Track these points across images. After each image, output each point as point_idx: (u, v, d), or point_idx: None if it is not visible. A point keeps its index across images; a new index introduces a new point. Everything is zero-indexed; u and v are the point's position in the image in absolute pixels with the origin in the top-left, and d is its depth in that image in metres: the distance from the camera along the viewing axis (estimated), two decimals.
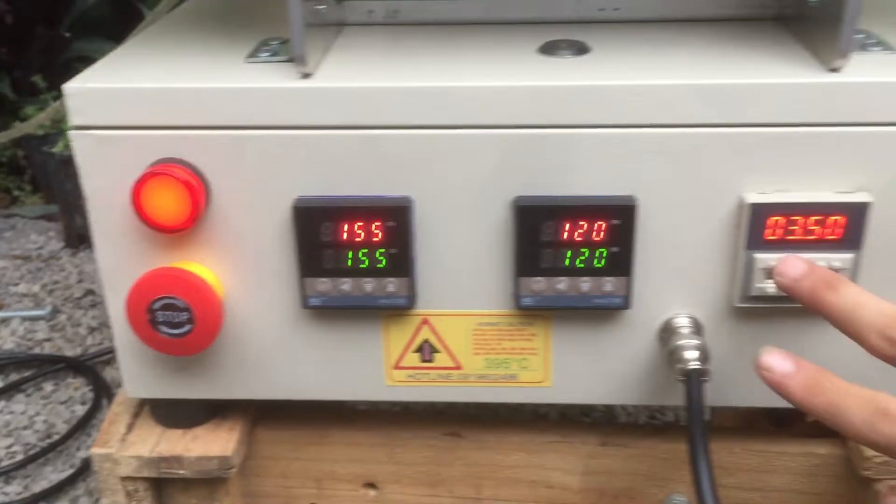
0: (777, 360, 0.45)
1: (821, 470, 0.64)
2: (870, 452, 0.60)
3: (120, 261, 0.57)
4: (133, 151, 0.54)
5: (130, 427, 0.65)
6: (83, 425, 1.24)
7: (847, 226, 0.53)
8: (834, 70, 0.52)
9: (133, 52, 0.60)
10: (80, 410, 1.28)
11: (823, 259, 0.53)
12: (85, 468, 1.16)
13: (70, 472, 1.16)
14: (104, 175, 0.55)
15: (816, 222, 0.53)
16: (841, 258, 0.53)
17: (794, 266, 0.49)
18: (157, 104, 0.53)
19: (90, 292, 1.59)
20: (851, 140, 0.52)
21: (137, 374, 0.61)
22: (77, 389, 1.34)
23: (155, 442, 0.63)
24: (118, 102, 0.54)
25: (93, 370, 1.36)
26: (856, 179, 0.53)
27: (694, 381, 0.52)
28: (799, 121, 0.52)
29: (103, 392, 1.31)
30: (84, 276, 1.65)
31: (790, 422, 0.72)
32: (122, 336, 0.60)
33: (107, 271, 0.58)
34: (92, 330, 1.49)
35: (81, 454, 1.20)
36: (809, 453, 0.64)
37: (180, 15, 0.71)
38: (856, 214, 0.52)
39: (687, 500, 0.65)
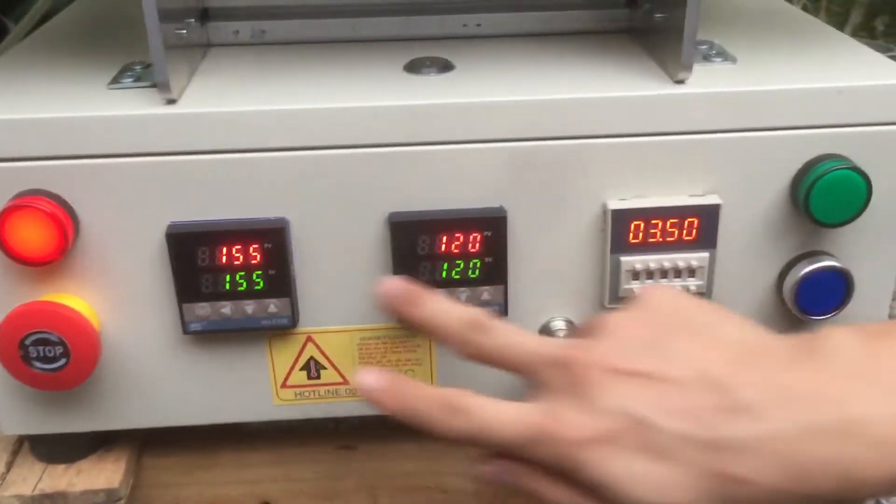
0: (365, 377, 0.47)
1: None
2: None
3: None
4: None
5: (9, 465, 0.63)
6: None
7: (701, 227, 0.56)
8: (679, 82, 0.55)
9: None
10: None
11: (682, 259, 0.56)
12: None
13: None
14: None
15: (673, 225, 0.56)
16: (698, 257, 0.57)
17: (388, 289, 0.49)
18: (18, 135, 0.52)
19: None
20: (699, 147, 0.55)
21: (14, 410, 0.60)
22: None
23: (37, 479, 0.61)
24: None
25: None
26: (706, 183, 0.56)
27: None
28: (651, 130, 0.55)
29: None
30: None
31: None
32: None
33: None
34: None
35: None
36: None
37: (40, 38, 0.69)
38: (708, 216, 0.56)
39: None
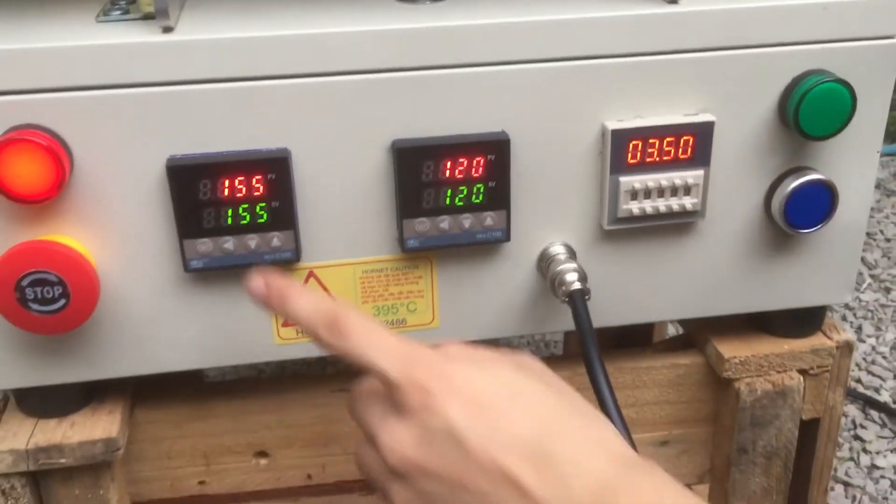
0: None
1: (685, 379, 0.69)
2: (728, 355, 0.66)
3: None
4: None
5: None
6: None
7: (696, 144, 0.58)
8: (672, 1, 0.56)
9: None
10: None
11: (679, 177, 0.58)
12: None
13: None
14: None
15: (670, 143, 0.57)
16: (693, 175, 0.58)
17: (257, 286, 0.50)
18: (9, 67, 0.50)
19: None
20: (692, 65, 0.56)
21: (3, 362, 0.57)
22: None
23: (29, 433, 0.59)
24: None
25: None
26: (699, 102, 0.58)
27: (578, 300, 0.56)
28: (646, 50, 0.56)
29: None
30: None
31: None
32: None
33: None
34: None
35: None
36: (674, 364, 0.69)
37: None
38: (703, 133, 0.57)
39: None
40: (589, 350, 0.53)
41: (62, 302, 0.52)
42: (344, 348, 0.46)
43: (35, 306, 0.52)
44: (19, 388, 0.59)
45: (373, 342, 0.45)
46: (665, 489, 0.40)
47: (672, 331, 1.06)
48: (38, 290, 0.52)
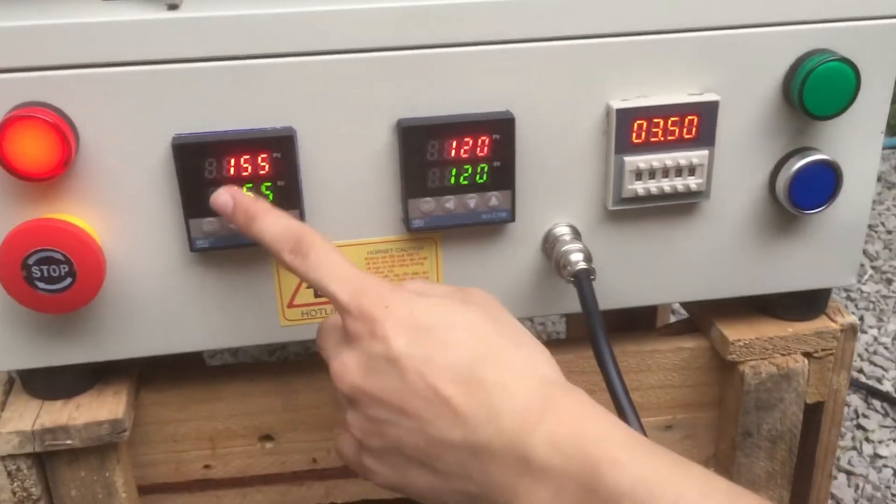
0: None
1: (689, 362, 0.69)
2: (733, 338, 0.66)
3: None
4: None
5: (2, 404, 0.60)
6: None
7: (700, 124, 0.58)
8: None
9: None
10: None
11: (684, 157, 0.58)
12: None
13: None
14: None
15: (674, 123, 0.57)
16: (698, 155, 0.58)
17: (223, 201, 0.52)
18: (14, 44, 0.50)
19: None
20: (696, 44, 0.57)
21: (8, 344, 0.57)
22: None
23: (35, 415, 0.59)
24: None
25: None
26: (703, 82, 0.58)
27: (584, 280, 0.56)
28: (650, 28, 0.56)
29: None
30: None
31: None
32: None
33: None
34: None
35: None
36: (678, 348, 0.69)
37: None
38: (707, 113, 0.57)
39: None
40: (595, 330, 0.53)
41: (68, 280, 0.53)
42: (303, 270, 0.48)
43: (41, 285, 0.52)
44: (25, 369, 0.59)
45: (330, 268, 0.47)
46: (586, 410, 0.43)
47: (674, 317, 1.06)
48: (45, 268, 0.52)
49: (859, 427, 1.21)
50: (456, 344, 0.45)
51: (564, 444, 0.41)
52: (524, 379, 0.44)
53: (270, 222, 0.50)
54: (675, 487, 0.39)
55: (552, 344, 0.70)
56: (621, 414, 0.51)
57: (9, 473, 0.59)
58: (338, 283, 0.47)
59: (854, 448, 1.18)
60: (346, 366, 0.46)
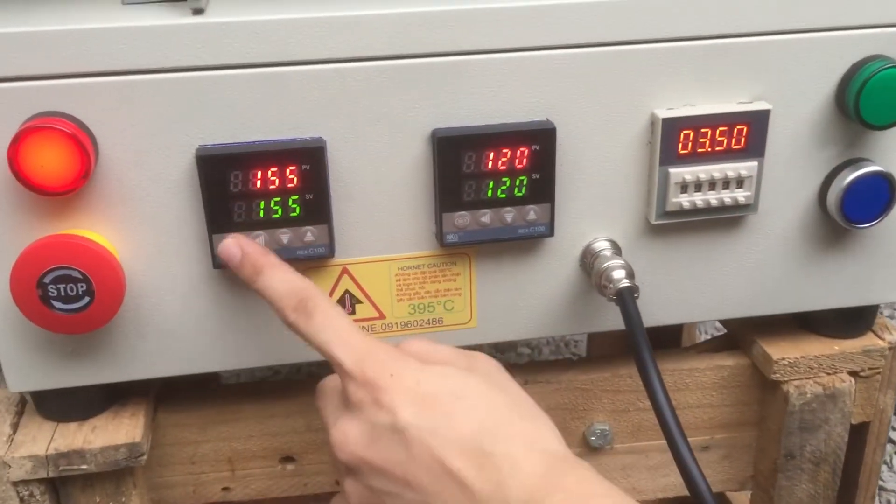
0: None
1: (729, 381, 0.67)
2: (777, 356, 0.63)
3: None
4: (5, 106, 0.48)
5: (15, 426, 0.58)
6: None
7: (750, 134, 0.55)
8: None
9: None
10: None
11: (732, 168, 0.55)
12: None
13: None
14: None
15: (723, 133, 0.54)
16: (747, 166, 0.55)
17: (231, 253, 0.50)
18: (32, 51, 0.47)
19: None
20: (746, 50, 0.54)
21: (21, 365, 0.55)
22: None
23: (49, 438, 0.56)
24: None
25: None
26: (753, 90, 0.55)
27: (627, 298, 0.53)
28: (698, 34, 0.53)
29: None
30: None
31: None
32: (1, 322, 0.53)
33: None
34: None
35: None
36: (718, 366, 0.66)
37: None
38: (758, 122, 0.55)
39: (608, 428, 0.66)
40: (641, 350, 0.50)
41: (86, 300, 0.50)
42: (306, 330, 0.47)
43: (58, 304, 0.50)
44: (39, 390, 0.56)
45: (335, 331, 0.46)
46: (594, 488, 0.42)
47: (701, 334, 1.03)
48: (62, 287, 0.49)
49: (890, 441, 1.18)
50: (463, 415, 0.44)
51: None
52: (531, 452, 0.43)
53: (277, 278, 0.48)
54: None
55: (583, 362, 0.68)
56: (668, 436, 0.49)
57: (21, 499, 0.56)
58: (342, 348, 0.46)
59: (884, 462, 1.15)
60: (347, 434, 0.45)
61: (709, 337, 0.87)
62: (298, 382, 0.66)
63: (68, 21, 0.48)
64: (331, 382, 0.49)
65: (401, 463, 0.43)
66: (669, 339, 0.91)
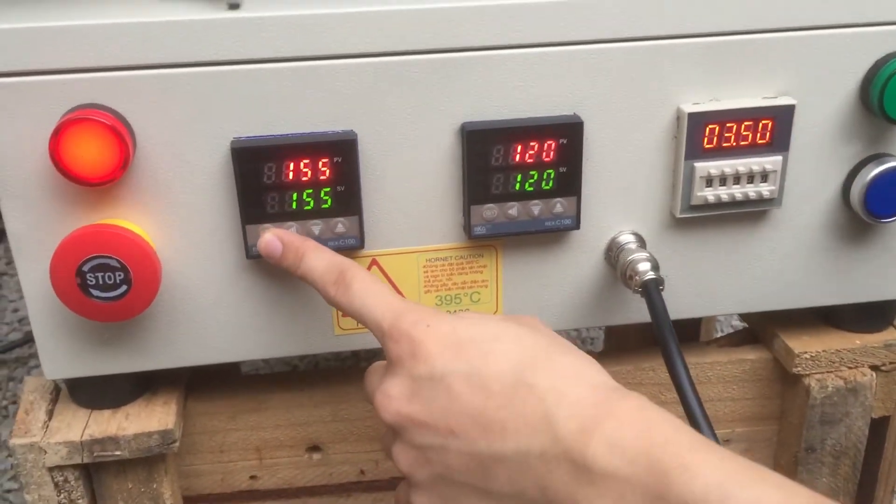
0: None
1: (750, 375, 0.67)
2: (799, 350, 0.64)
3: (33, 224, 0.52)
4: (45, 99, 0.49)
5: (51, 413, 0.59)
6: None
7: (775, 129, 0.55)
8: None
9: None
10: None
11: (756, 163, 0.56)
12: None
13: None
14: (12, 127, 0.49)
15: (748, 128, 0.55)
16: (771, 161, 0.56)
17: (273, 246, 0.52)
18: (71, 44, 0.48)
19: None
20: (772, 46, 0.54)
21: (57, 352, 0.56)
22: None
23: (83, 425, 0.57)
24: (24, 44, 0.48)
25: None
26: (777, 85, 0.56)
27: (653, 290, 0.53)
28: (724, 29, 0.54)
29: None
30: None
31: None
32: (38, 311, 0.54)
33: (18, 237, 0.52)
34: None
35: None
36: (740, 360, 0.67)
37: None
38: (783, 117, 0.55)
39: None
40: (667, 342, 0.51)
41: (124, 288, 0.51)
42: (346, 300, 0.47)
43: (96, 292, 0.51)
44: (73, 378, 0.58)
45: (371, 295, 0.47)
46: (649, 413, 0.40)
47: (717, 332, 1.03)
48: (100, 275, 0.50)
49: None
50: (501, 354, 0.43)
51: (628, 449, 0.38)
52: (578, 383, 0.41)
53: (317, 259, 0.49)
54: (753, 491, 0.35)
55: (605, 355, 0.68)
56: (696, 427, 0.49)
57: (56, 484, 0.57)
58: (379, 309, 0.46)
59: None
60: (390, 394, 0.44)
61: (726, 333, 0.88)
62: (325, 371, 0.67)
63: (107, 15, 0.49)
64: (376, 364, 0.49)
65: (443, 411, 0.42)
66: (689, 334, 0.92)
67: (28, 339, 1.28)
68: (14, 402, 1.23)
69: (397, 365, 0.45)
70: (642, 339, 0.82)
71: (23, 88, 0.49)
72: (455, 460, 0.43)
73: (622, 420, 0.39)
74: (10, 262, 1.47)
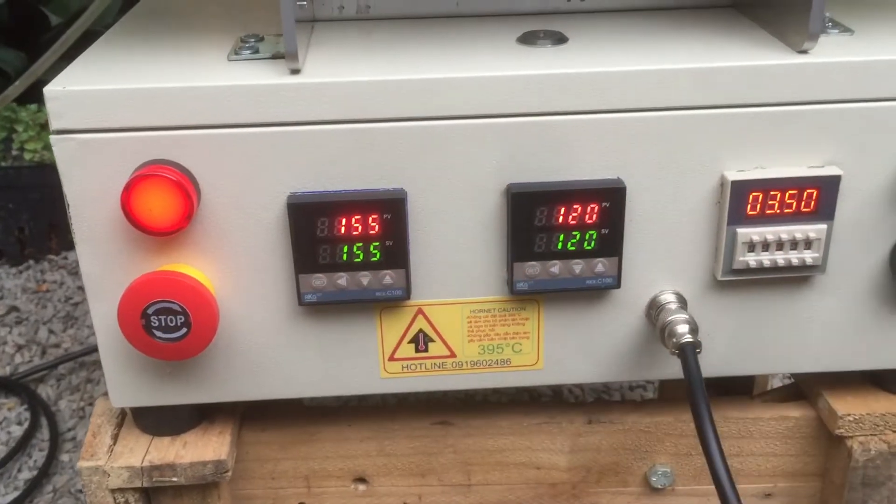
0: None
1: (794, 432, 0.67)
2: (842, 411, 0.64)
3: (105, 267, 0.56)
4: (118, 154, 0.53)
5: (115, 438, 0.63)
6: (23, 446, 1.19)
7: (820, 198, 0.56)
8: (803, 52, 0.55)
9: (107, 53, 0.59)
10: (17, 431, 1.23)
11: (800, 231, 0.56)
12: (31, 489, 1.11)
13: (15, 494, 1.11)
14: (88, 180, 0.53)
15: (792, 196, 0.56)
16: (816, 229, 0.56)
17: None
18: (144, 105, 0.52)
19: (14, 309, 1.52)
20: (819, 117, 0.55)
21: (123, 382, 0.60)
22: (11, 410, 1.29)
23: (144, 451, 0.61)
24: (102, 104, 0.52)
25: (26, 388, 1.30)
26: (824, 154, 0.56)
27: (689, 353, 0.55)
28: (773, 100, 0.54)
29: (40, 410, 1.26)
30: (5, 293, 1.58)
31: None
32: (107, 345, 0.59)
33: (91, 278, 0.56)
34: (19, 348, 1.43)
35: (24, 476, 1.15)
36: (783, 417, 0.67)
37: (140, 13, 0.69)
38: (828, 187, 0.56)
39: (670, 470, 0.68)
40: (699, 405, 0.52)
41: (184, 330, 0.54)
42: None
43: (159, 333, 0.55)
44: (138, 406, 0.62)
45: None
46: None
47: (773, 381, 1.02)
48: (163, 318, 0.54)
49: None
50: None
51: None
52: None
53: None
54: None
55: (648, 405, 0.69)
56: (719, 488, 0.50)
57: None
58: None
59: None
60: None
61: (780, 384, 0.87)
62: (373, 408, 0.70)
63: (178, 77, 0.53)
64: None
65: None
66: (741, 385, 0.92)
67: None
68: (90, 404, 1.30)
69: None
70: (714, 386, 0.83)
71: (99, 144, 0.53)
72: None
73: None
74: None
